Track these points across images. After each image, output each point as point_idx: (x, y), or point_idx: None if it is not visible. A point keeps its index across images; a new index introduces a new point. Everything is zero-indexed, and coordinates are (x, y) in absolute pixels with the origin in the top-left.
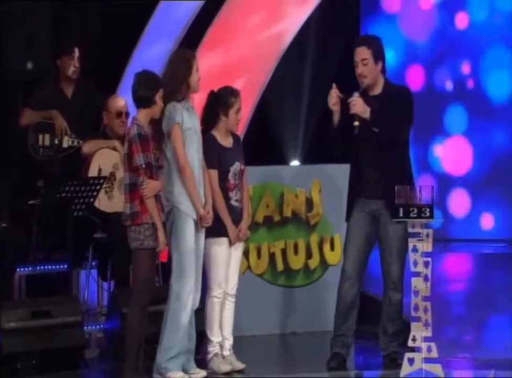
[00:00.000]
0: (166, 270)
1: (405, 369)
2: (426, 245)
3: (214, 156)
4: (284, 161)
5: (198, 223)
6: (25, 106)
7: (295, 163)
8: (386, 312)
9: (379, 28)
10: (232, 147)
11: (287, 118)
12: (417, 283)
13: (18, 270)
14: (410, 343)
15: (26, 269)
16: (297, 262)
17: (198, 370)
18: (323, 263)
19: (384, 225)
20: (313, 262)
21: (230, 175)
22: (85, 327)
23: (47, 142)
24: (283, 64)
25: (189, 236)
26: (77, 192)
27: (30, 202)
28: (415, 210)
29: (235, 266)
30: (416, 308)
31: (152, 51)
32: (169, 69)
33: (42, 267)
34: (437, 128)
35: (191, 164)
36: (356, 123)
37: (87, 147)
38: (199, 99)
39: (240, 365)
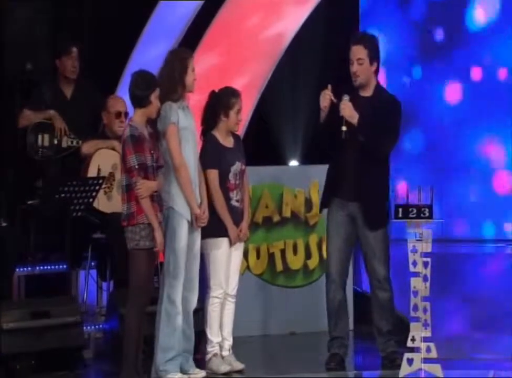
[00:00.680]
0: None
1: (404, 369)
2: (425, 246)
3: (214, 156)
4: (283, 161)
5: (193, 223)
6: (24, 107)
7: (294, 163)
8: (376, 311)
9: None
10: (233, 147)
11: (286, 119)
12: (416, 283)
13: (17, 270)
14: (409, 343)
15: (25, 269)
16: (296, 262)
17: (197, 370)
18: (323, 263)
19: (363, 229)
20: (313, 262)
21: (231, 175)
22: (84, 328)
23: (46, 142)
24: (282, 64)
25: (183, 237)
26: (76, 193)
27: (29, 202)
28: (414, 211)
29: (235, 267)
30: (415, 308)
31: (151, 51)
32: (164, 69)
33: (41, 267)
34: None
35: (187, 164)
36: (344, 128)
37: (86, 148)
38: (199, 99)
39: (239, 365)
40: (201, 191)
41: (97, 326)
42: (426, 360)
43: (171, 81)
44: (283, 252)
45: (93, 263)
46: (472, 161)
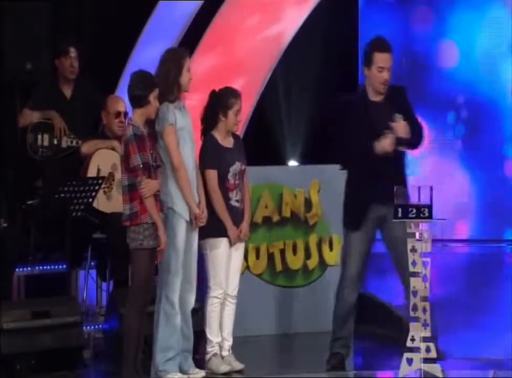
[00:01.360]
0: None
1: (404, 369)
2: (425, 246)
3: (213, 156)
4: (282, 161)
5: (192, 223)
6: (24, 107)
7: (294, 163)
8: None
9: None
10: (232, 147)
11: (286, 119)
12: (416, 283)
13: (17, 270)
14: (409, 343)
15: (25, 269)
16: (296, 262)
17: (196, 370)
18: (322, 263)
19: (394, 228)
20: (312, 262)
21: (230, 175)
22: (84, 328)
23: (46, 142)
24: (282, 64)
25: (180, 237)
26: (76, 193)
27: (29, 202)
28: (414, 210)
29: (235, 267)
30: (415, 308)
31: (151, 51)
32: (160, 69)
33: (40, 267)
34: None
35: (185, 164)
36: (401, 148)
37: (86, 148)
38: (198, 99)
39: (238, 365)
40: (199, 191)
41: (97, 326)
42: (425, 360)
43: (166, 81)
44: (282, 252)
45: (92, 263)
46: None
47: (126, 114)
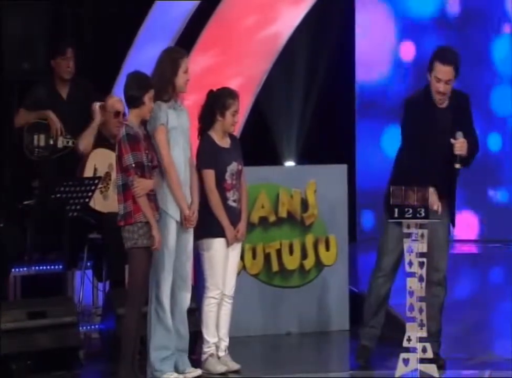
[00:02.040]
0: None
1: (400, 369)
2: (421, 246)
3: (210, 156)
4: (279, 162)
5: (183, 223)
6: (20, 106)
7: (290, 163)
8: (428, 311)
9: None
10: (229, 148)
11: (282, 119)
12: (412, 283)
13: (13, 270)
14: (405, 344)
15: (21, 269)
16: (292, 262)
17: (192, 369)
18: (319, 264)
19: (435, 226)
20: (309, 263)
21: (227, 175)
22: (80, 328)
23: (42, 142)
24: (278, 64)
25: (171, 237)
26: (72, 193)
27: (25, 202)
28: (410, 211)
29: (232, 267)
30: (411, 308)
31: (147, 51)
32: (156, 69)
33: (37, 267)
34: None
35: (176, 165)
36: (457, 166)
37: (82, 145)
38: (196, 99)
39: (235, 366)
40: (193, 191)
41: (93, 326)
42: (422, 360)
43: (162, 81)
44: (279, 252)
45: (89, 263)
46: None
47: (124, 114)
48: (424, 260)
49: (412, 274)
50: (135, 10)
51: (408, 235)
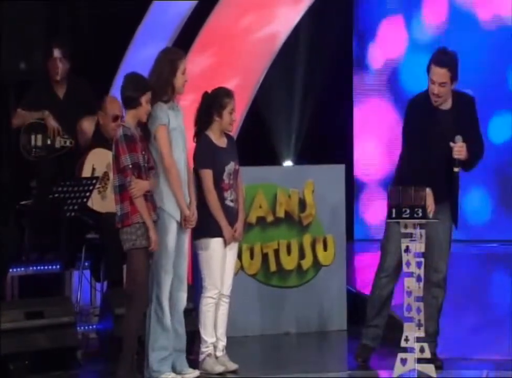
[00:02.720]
0: None
1: (398, 369)
2: (419, 246)
3: (208, 156)
4: (277, 161)
5: (182, 224)
6: (18, 107)
7: (288, 163)
8: (426, 311)
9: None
10: (227, 147)
11: (280, 119)
12: (410, 283)
13: (11, 270)
14: (403, 344)
15: (19, 269)
16: (290, 262)
17: (190, 370)
18: (316, 264)
19: (437, 226)
20: (306, 263)
21: (225, 175)
22: (78, 328)
23: (39, 143)
24: (276, 64)
25: (171, 237)
26: (70, 193)
27: (23, 202)
28: (408, 211)
29: (230, 267)
30: (409, 308)
31: (145, 52)
32: (154, 71)
33: (34, 268)
34: None
35: (177, 165)
36: (456, 169)
37: (86, 124)
38: (192, 99)
39: (232, 366)
40: (190, 191)
41: (91, 327)
42: (419, 360)
43: (160, 82)
44: (276, 252)
45: (86, 264)
46: None
47: (122, 117)
48: (422, 260)
49: (409, 274)
50: (133, 10)
51: (406, 235)
